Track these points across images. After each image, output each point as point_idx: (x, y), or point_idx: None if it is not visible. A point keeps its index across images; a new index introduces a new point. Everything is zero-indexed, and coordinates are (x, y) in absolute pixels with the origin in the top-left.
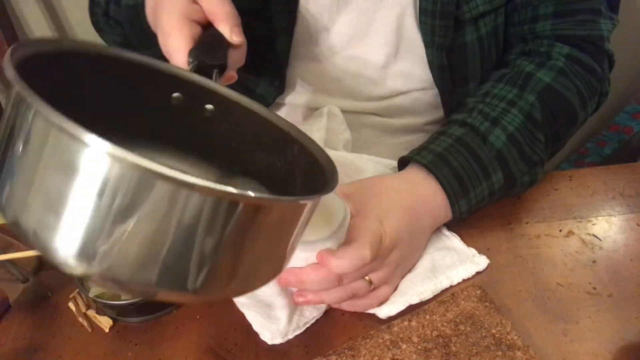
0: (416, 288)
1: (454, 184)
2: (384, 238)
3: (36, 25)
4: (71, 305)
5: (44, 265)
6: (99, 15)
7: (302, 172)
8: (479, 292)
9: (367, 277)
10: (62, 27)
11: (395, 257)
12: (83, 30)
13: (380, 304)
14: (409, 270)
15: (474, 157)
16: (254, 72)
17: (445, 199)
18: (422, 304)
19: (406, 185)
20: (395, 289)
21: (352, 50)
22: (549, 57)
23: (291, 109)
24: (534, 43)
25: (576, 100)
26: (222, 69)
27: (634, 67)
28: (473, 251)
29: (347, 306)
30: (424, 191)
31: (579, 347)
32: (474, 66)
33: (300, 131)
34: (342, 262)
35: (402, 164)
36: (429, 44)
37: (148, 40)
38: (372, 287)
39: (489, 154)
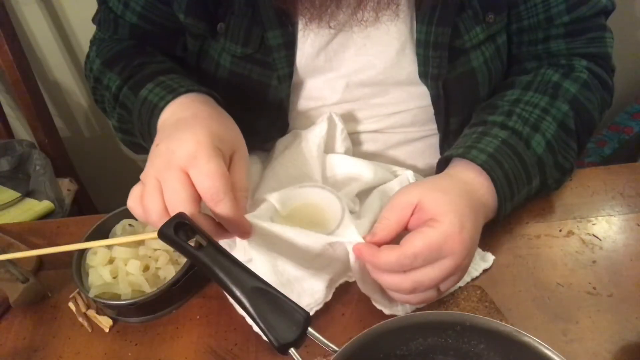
0: None
1: (505, 187)
2: (459, 240)
3: (36, 25)
4: (71, 305)
5: (44, 265)
6: (107, 98)
7: None
8: (479, 292)
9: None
10: (62, 27)
11: (465, 265)
12: (83, 30)
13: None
14: None
15: (520, 162)
16: (253, 113)
17: (495, 201)
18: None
19: (465, 186)
20: None
21: (353, 83)
22: (572, 69)
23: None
24: (551, 59)
25: (596, 113)
26: None
27: (634, 68)
28: (478, 249)
29: (413, 301)
30: (481, 191)
31: (579, 347)
32: (483, 89)
33: None
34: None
35: (444, 161)
36: (422, 74)
37: (147, 135)
38: (439, 292)
39: (532, 159)
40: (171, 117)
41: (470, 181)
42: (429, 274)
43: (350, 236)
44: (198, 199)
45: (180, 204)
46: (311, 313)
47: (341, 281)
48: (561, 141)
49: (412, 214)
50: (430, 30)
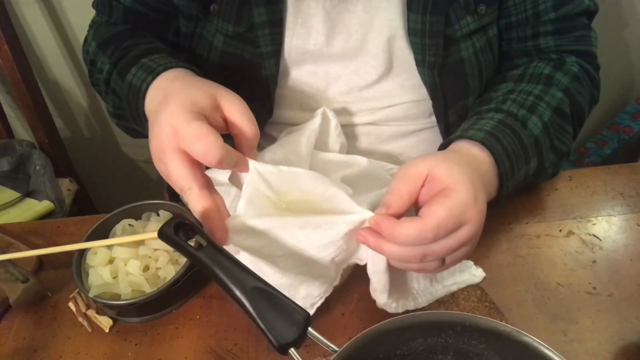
0: (415, 295)
1: (506, 163)
2: (475, 210)
3: (36, 25)
4: (71, 305)
5: (44, 265)
6: (101, 81)
7: None
8: (479, 292)
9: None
10: (62, 27)
11: (477, 237)
12: (83, 30)
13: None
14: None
15: (518, 140)
16: (244, 95)
17: (496, 179)
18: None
19: (472, 160)
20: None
21: (344, 70)
22: (563, 62)
23: (282, 127)
24: (541, 55)
25: (586, 106)
26: None
27: (634, 68)
28: (470, 263)
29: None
30: (483, 167)
31: (579, 347)
32: (473, 80)
33: None
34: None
35: (444, 147)
36: (419, 62)
37: (139, 120)
38: (444, 264)
39: (529, 139)
40: (151, 103)
41: (474, 155)
42: (443, 242)
43: (361, 213)
44: (200, 168)
45: (185, 181)
46: (323, 299)
47: (351, 263)
48: (557, 125)
49: (422, 186)
50: (425, 20)
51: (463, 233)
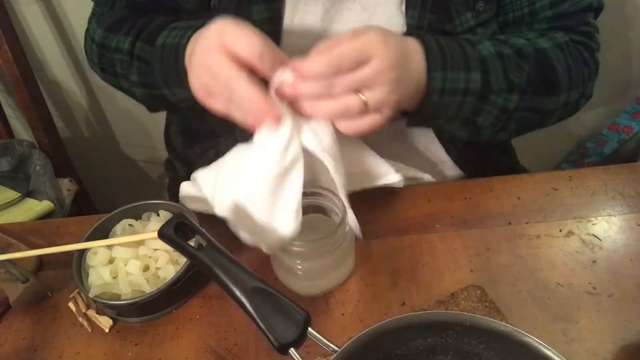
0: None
1: (438, 55)
2: (384, 48)
3: (36, 25)
4: (71, 305)
5: (44, 265)
6: (117, 59)
7: None
8: (479, 292)
9: (361, 95)
10: (62, 27)
11: (392, 78)
12: (83, 30)
13: (372, 130)
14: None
15: (461, 49)
16: None
17: (424, 66)
18: (421, 303)
19: (401, 39)
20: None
21: None
22: (552, 34)
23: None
24: None
25: (564, 76)
26: None
27: (634, 68)
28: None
29: (342, 126)
30: (412, 47)
31: (579, 347)
32: None
33: None
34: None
35: None
36: None
37: (175, 77)
38: (366, 107)
39: (474, 55)
40: (191, 53)
41: (409, 40)
42: (350, 74)
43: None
44: (246, 67)
45: (230, 72)
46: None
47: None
48: (513, 61)
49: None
50: (423, 16)
51: (370, 66)
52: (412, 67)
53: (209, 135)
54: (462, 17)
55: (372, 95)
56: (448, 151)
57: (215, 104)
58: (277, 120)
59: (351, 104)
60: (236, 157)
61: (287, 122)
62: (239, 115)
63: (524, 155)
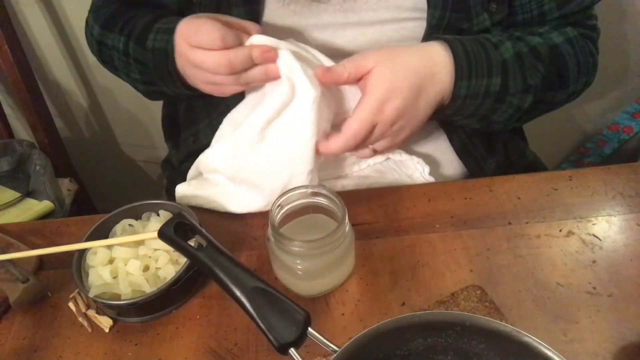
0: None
1: (464, 63)
2: (384, 118)
3: (36, 25)
4: (71, 305)
5: (44, 265)
6: (115, 57)
7: None
8: (479, 292)
9: (371, 147)
10: (62, 27)
11: (397, 129)
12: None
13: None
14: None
15: (485, 53)
16: None
17: (451, 77)
18: (421, 303)
19: (423, 53)
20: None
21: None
22: (563, 29)
23: None
24: None
25: (574, 70)
26: None
27: (634, 68)
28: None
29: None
30: (437, 59)
31: (579, 347)
32: None
33: None
34: (338, 144)
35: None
36: None
37: (170, 78)
38: (375, 152)
39: (497, 58)
40: (178, 58)
41: (434, 51)
42: (366, 141)
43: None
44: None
45: (224, 55)
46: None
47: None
48: (529, 61)
49: (362, 77)
50: (444, 15)
51: (380, 127)
52: (430, 93)
53: (190, 123)
54: (480, 17)
55: (381, 145)
56: (451, 142)
57: (228, 88)
58: (275, 51)
59: (362, 153)
60: (245, 106)
61: (284, 54)
62: (253, 74)
63: None
